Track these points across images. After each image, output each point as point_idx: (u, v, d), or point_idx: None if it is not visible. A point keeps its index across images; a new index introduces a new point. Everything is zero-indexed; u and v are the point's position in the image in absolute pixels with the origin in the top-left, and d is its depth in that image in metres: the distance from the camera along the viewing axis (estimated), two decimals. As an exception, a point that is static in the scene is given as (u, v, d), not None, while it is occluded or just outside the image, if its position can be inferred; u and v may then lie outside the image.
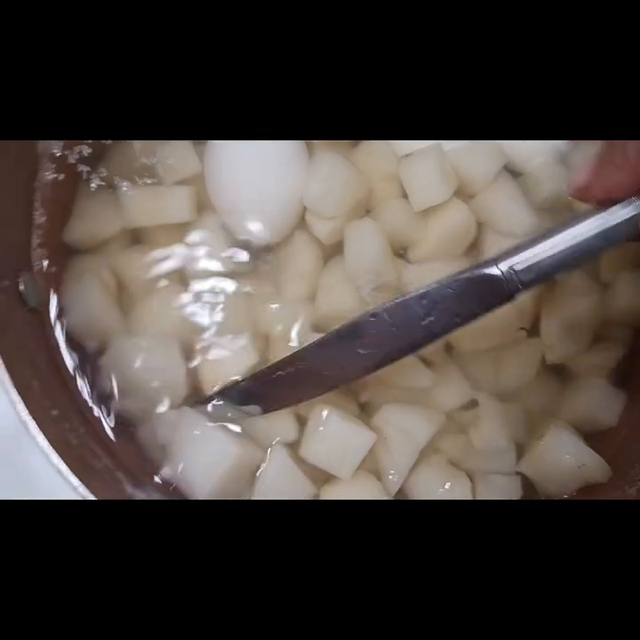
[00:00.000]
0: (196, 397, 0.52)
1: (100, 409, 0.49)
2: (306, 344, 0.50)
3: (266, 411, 0.51)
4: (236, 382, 0.52)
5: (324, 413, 0.52)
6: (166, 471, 0.50)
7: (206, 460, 0.49)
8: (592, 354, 0.56)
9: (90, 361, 0.51)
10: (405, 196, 0.56)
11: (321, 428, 0.51)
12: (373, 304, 0.54)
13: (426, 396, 0.55)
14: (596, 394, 0.56)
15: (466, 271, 0.46)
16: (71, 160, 0.55)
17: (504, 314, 0.54)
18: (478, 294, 0.46)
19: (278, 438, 0.52)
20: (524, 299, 0.54)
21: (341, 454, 0.51)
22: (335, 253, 0.56)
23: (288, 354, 0.50)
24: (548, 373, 0.57)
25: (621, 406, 0.56)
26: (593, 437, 0.55)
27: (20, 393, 0.38)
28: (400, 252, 0.57)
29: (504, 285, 0.45)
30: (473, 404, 0.55)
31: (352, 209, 0.55)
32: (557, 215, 0.59)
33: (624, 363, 0.57)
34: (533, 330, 0.56)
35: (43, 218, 0.52)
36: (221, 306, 0.55)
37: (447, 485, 0.53)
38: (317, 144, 0.57)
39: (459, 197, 0.56)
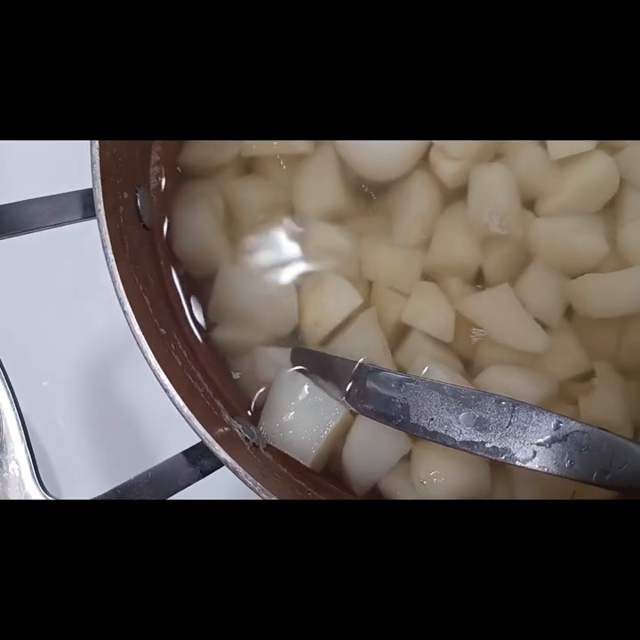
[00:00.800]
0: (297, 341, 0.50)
1: (202, 335, 0.48)
2: (420, 378, 0.44)
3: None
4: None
5: (425, 369, 0.48)
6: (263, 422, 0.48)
7: (312, 419, 0.47)
8: None
9: (196, 286, 0.50)
10: (543, 141, 0.50)
11: None
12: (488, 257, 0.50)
13: (537, 361, 0.51)
14: None
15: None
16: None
17: (636, 281, 0.49)
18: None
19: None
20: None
21: None
22: (457, 199, 0.52)
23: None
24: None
25: None
26: None
27: (132, 306, 0.37)
28: (528, 204, 0.52)
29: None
30: (588, 376, 0.50)
31: (482, 150, 0.50)
32: None
33: None
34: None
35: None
36: (330, 243, 0.52)
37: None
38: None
39: (602, 149, 0.50)
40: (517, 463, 0.39)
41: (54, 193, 0.42)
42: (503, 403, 0.41)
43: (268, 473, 0.41)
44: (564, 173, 0.50)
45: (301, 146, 0.52)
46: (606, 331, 0.51)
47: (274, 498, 0.35)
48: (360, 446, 0.47)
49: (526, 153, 0.50)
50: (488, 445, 0.40)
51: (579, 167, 0.50)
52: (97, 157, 0.39)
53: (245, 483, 0.35)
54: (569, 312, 0.51)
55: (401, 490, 0.49)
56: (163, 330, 0.41)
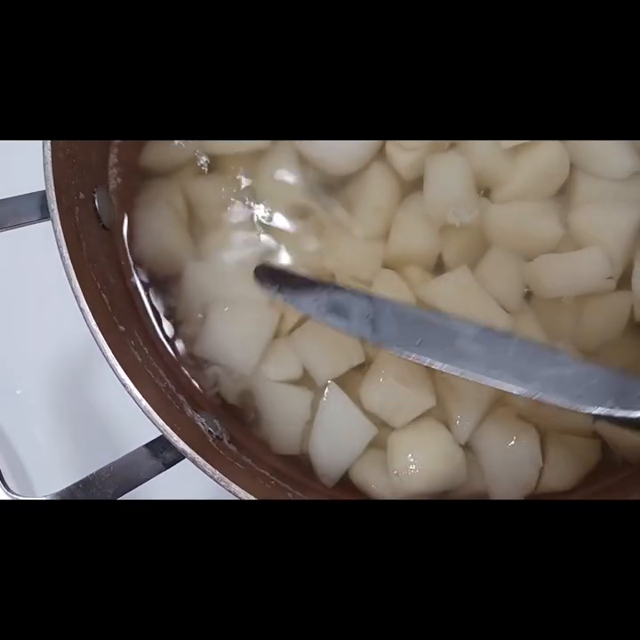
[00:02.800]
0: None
1: (163, 331, 0.47)
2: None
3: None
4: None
5: (384, 369, 0.48)
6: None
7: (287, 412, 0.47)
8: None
9: (159, 284, 0.49)
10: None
11: (381, 380, 0.48)
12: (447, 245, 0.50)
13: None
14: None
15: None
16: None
17: (592, 259, 0.48)
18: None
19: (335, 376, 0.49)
20: (615, 243, 0.48)
21: (394, 408, 0.48)
22: (414, 189, 0.51)
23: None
24: (636, 332, 0.51)
25: None
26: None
27: (88, 303, 0.36)
28: (484, 191, 0.51)
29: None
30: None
31: (436, 141, 0.50)
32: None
33: None
34: (624, 282, 0.49)
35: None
36: (291, 237, 0.51)
37: (514, 439, 0.49)
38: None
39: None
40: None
41: (11, 196, 0.41)
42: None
43: (229, 463, 0.40)
44: (516, 160, 0.50)
45: (260, 142, 0.51)
46: (565, 312, 0.51)
47: (233, 485, 0.34)
48: (325, 433, 0.47)
49: (480, 142, 0.50)
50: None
51: (530, 154, 0.50)
52: (49, 158, 0.38)
53: (205, 471, 0.34)
54: (528, 295, 0.51)
55: (375, 482, 0.48)
56: (122, 327, 0.40)
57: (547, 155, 0.50)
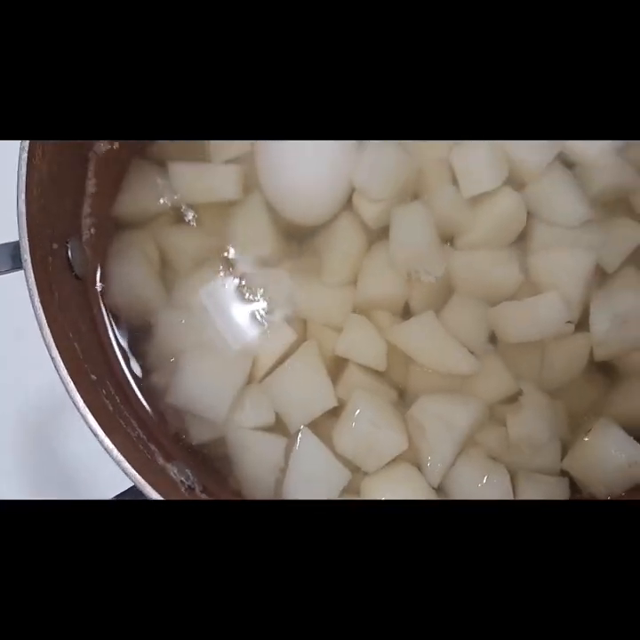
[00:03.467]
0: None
1: (135, 379, 0.47)
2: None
3: None
4: None
5: (357, 412, 0.48)
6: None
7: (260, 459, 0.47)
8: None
9: (132, 333, 0.49)
10: (456, 181, 0.52)
11: (353, 424, 0.48)
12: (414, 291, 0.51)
13: (467, 385, 0.51)
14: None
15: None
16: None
17: (550, 304, 0.50)
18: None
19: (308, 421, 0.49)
20: (571, 287, 0.50)
21: (366, 452, 0.48)
22: (380, 238, 0.53)
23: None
24: (596, 371, 0.52)
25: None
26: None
27: (60, 352, 0.35)
28: (447, 240, 0.53)
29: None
30: (516, 397, 0.51)
31: (400, 192, 0.52)
32: (612, 208, 0.54)
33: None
34: (582, 323, 0.51)
35: (94, 188, 0.50)
36: (263, 286, 0.52)
37: (485, 479, 0.49)
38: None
39: (510, 186, 0.52)
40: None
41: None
42: None
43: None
44: (476, 210, 0.52)
45: (231, 193, 0.52)
46: (529, 353, 0.52)
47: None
48: (299, 480, 0.46)
49: (442, 192, 0.52)
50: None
51: (489, 203, 0.52)
52: (23, 209, 0.38)
53: (177, 523, 0.33)
54: (493, 338, 0.52)
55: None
56: (93, 376, 0.40)
57: (504, 204, 0.52)
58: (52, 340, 0.35)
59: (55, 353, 0.35)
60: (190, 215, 0.53)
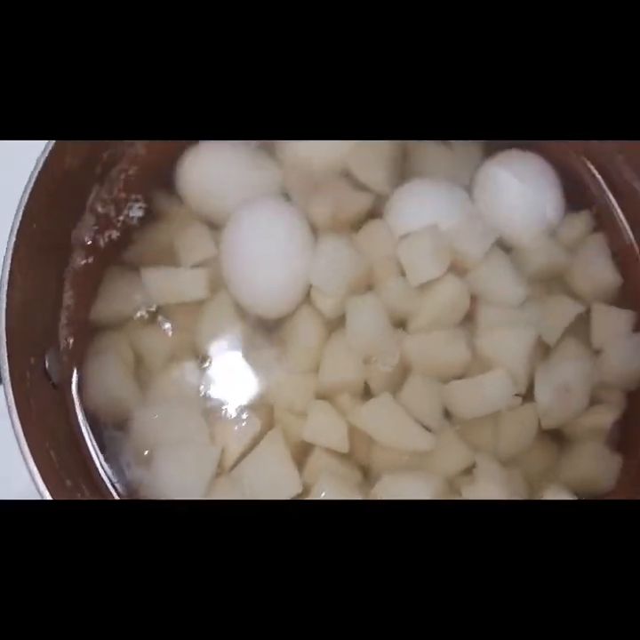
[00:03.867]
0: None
1: (110, 479, 0.49)
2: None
3: None
4: None
5: (322, 495, 0.51)
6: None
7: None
8: (587, 418, 0.55)
9: (105, 432, 0.51)
10: (403, 273, 0.56)
11: None
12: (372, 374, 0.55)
13: (426, 460, 0.54)
14: (593, 458, 0.54)
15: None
16: (100, 244, 0.57)
17: (497, 380, 0.54)
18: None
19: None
20: (515, 363, 0.54)
21: None
22: (338, 327, 0.57)
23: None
24: (546, 438, 0.56)
25: (618, 470, 0.54)
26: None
27: (37, 463, 0.38)
28: (399, 325, 0.57)
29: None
30: (472, 469, 0.54)
31: (353, 286, 0.56)
32: (549, 286, 0.59)
33: (618, 426, 0.55)
34: (529, 395, 0.55)
35: (71, 300, 0.53)
36: (232, 375, 0.55)
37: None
38: (322, 228, 0.59)
39: (453, 273, 0.57)
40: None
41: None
42: None
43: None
44: (424, 297, 0.57)
45: (199, 294, 0.57)
46: (483, 426, 0.55)
47: None
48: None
49: (391, 283, 0.57)
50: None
51: (434, 291, 0.56)
52: (2, 329, 0.42)
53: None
54: (447, 414, 0.55)
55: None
56: (69, 481, 0.42)
57: (448, 290, 0.56)
58: (28, 452, 0.38)
59: (32, 465, 0.37)
60: (162, 316, 0.57)
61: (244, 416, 0.53)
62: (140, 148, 0.56)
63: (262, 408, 0.54)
